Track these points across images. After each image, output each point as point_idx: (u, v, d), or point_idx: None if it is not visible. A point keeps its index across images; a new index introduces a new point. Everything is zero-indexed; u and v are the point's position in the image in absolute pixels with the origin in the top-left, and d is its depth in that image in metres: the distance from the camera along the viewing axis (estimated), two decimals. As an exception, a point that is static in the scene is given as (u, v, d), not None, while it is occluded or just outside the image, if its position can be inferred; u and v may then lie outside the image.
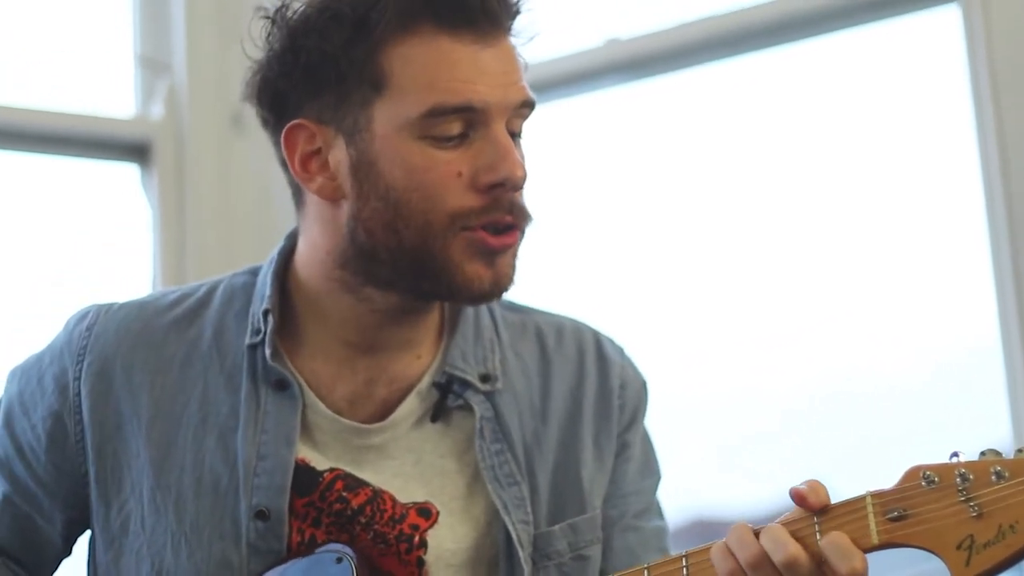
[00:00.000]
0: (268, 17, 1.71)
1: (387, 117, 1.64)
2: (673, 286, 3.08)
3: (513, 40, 1.70)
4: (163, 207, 3.14)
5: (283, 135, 1.69)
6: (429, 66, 1.63)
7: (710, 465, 2.86)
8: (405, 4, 1.64)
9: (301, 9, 1.69)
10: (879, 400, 2.87)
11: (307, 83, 1.67)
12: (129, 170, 3.20)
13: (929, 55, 2.87)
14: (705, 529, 3.01)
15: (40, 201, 3.18)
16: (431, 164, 1.63)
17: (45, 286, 3.08)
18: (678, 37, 2.95)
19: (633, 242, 3.10)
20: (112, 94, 3.22)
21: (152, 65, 3.21)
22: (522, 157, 1.67)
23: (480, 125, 1.64)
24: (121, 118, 3.20)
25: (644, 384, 1.87)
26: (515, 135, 1.68)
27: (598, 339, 1.86)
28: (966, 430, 2.71)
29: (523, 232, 1.68)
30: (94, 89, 3.20)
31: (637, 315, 2.98)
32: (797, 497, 1.47)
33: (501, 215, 1.64)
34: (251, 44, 1.72)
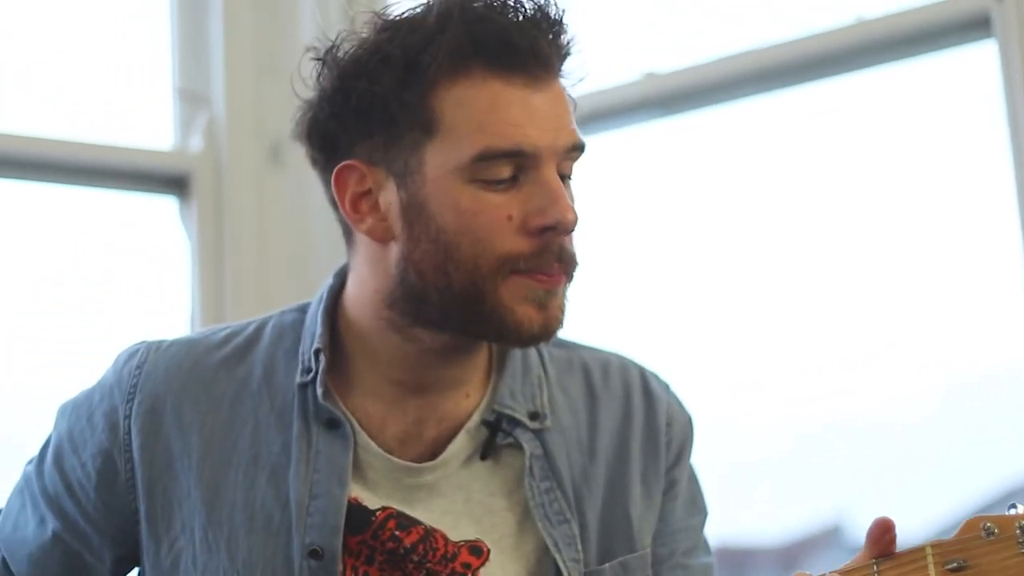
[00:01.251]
0: (319, 58, 1.71)
1: (438, 161, 1.63)
2: (705, 317, 3.09)
3: (563, 81, 1.70)
4: (201, 239, 3.15)
5: (333, 176, 1.69)
6: (480, 109, 1.62)
7: (733, 493, 2.86)
8: (456, 47, 1.63)
9: (352, 50, 1.68)
10: (905, 427, 2.87)
11: (358, 125, 1.67)
12: (167, 202, 3.21)
13: (965, 91, 2.87)
14: (729, 557, 3.01)
15: (78, 233, 3.20)
16: (481, 207, 1.62)
17: (84, 318, 3.09)
18: (716, 72, 2.96)
19: (669, 275, 3.11)
20: (151, 126, 3.23)
21: (191, 97, 3.23)
22: (572, 200, 1.67)
23: (530, 169, 1.64)
24: (160, 150, 3.22)
25: (690, 420, 1.86)
26: (565, 177, 1.68)
27: (644, 375, 1.86)
28: (994, 457, 2.71)
29: (571, 276, 1.68)
30: (133, 121, 3.21)
31: (659, 344, 2.98)
32: (880, 528, 1.44)
33: (549, 263, 1.64)
34: (299, 82, 1.72)
